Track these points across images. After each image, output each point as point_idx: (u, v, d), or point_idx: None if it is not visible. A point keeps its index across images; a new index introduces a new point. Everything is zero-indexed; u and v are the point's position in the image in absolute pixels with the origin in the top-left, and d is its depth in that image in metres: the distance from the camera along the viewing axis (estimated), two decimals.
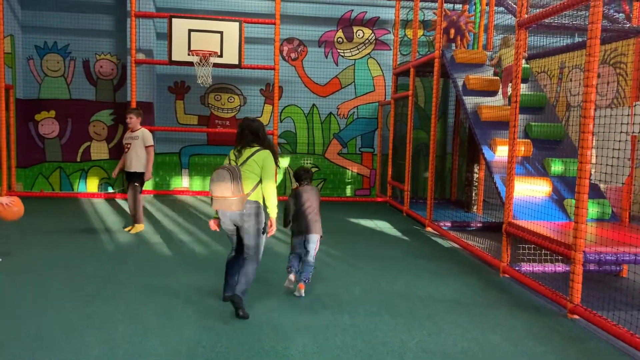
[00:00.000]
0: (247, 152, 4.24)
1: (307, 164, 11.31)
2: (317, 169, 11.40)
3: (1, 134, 9.75)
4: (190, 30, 9.57)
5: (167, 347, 3.58)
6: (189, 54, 9.57)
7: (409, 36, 11.28)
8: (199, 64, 9.54)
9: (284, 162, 11.30)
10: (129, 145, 7.07)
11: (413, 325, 4.12)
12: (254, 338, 3.76)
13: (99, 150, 10.91)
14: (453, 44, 8.91)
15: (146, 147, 7.05)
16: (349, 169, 11.52)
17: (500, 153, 6.48)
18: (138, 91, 10.21)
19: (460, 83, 7.50)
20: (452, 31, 8.63)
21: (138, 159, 7.00)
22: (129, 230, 7.20)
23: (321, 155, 11.41)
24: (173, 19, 9.54)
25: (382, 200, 10.94)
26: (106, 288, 4.80)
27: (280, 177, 11.25)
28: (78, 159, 10.85)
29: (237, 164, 4.22)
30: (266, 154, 4.25)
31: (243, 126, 4.32)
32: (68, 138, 10.77)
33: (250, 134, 4.29)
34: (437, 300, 4.76)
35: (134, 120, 7.13)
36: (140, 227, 7.24)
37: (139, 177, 7.05)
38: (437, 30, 8.07)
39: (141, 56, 10.23)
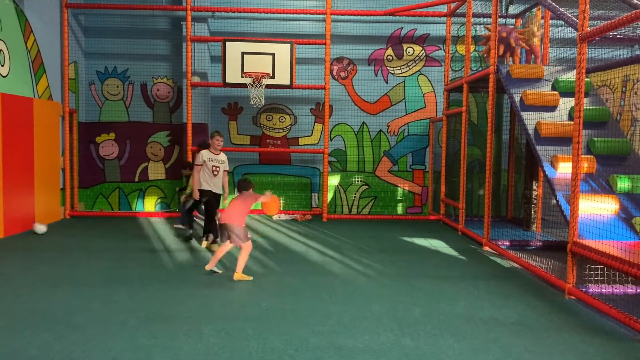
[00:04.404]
0: None
1: (357, 182, 11.28)
2: (367, 187, 11.35)
3: (66, 156, 10.23)
4: (243, 53, 9.80)
5: None
6: (242, 76, 9.78)
7: (460, 52, 11.16)
8: (252, 85, 9.73)
9: (334, 180, 11.31)
10: (217, 169, 7.43)
11: (479, 349, 4.00)
12: (317, 359, 3.74)
13: (156, 171, 11.25)
14: (507, 59, 8.72)
15: (225, 171, 7.60)
16: (400, 187, 11.42)
17: (563, 170, 6.27)
18: (193, 113, 10.50)
19: (517, 98, 7.33)
20: (502, 48, 8.46)
21: (220, 182, 7.51)
22: (207, 247, 7.43)
23: (371, 173, 11.36)
24: (227, 42, 9.79)
25: (435, 218, 10.76)
26: (168, 307, 4.89)
27: (330, 195, 11.25)
28: (136, 179, 11.22)
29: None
30: None
31: None
32: (127, 159, 11.16)
33: None
34: (501, 323, 4.61)
35: (222, 142, 7.53)
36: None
37: (219, 199, 7.56)
38: (491, 45, 7.95)
39: (196, 79, 10.53)
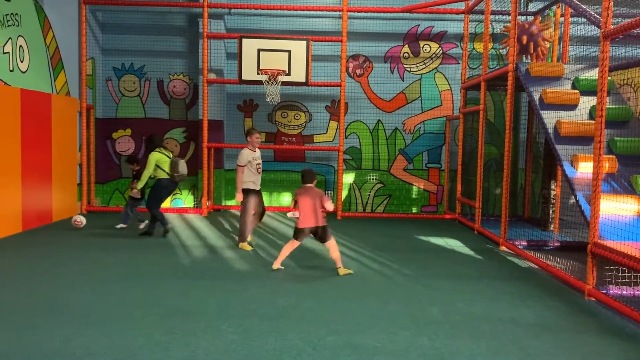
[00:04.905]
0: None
1: (372, 180, 11.24)
2: (382, 185, 11.30)
3: (83, 151, 10.32)
4: (259, 50, 9.79)
5: None
6: (258, 73, 9.78)
7: (477, 50, 11.06)
8: (267, 82, 9.73)
9: (349, 178, 11.28)
10: (260, 166, 7.40)
11: (498, 350, 3.95)
12: (335, 357, 3.72)
13: None
14: (534, 58, 8.59)
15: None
16: (415, 185, 11.36)
17: (583, 169, 6.18)
18: (209, 109, 10.53)
19: (536, 97, 7.24)
20: (532, 45, 8.32)
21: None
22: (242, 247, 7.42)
23: (386, 171, 11.31)
24: (243, 39, 9.79)
25: (451, 217, 10.68)
26: (185, 303, 4.91)
27: (345, 192, 11.22)
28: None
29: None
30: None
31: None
32: (143, 155, 11.22)
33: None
34: (520, 324, 4.56)
35: (260, 139, 7.51)
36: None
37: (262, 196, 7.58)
38: (511, 43, 7.86)
39: (212, 76, 10.56)
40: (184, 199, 11.32)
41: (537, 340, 4.17)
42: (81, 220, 8.47)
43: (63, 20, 9.74)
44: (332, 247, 6.06)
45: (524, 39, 8.27)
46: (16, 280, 5.51)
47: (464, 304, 5.09)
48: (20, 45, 8.34)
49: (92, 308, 4.67)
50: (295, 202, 6.05)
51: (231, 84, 10.78)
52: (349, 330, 4.27)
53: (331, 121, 11.31)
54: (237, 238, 7.90)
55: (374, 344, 4.01)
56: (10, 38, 8.04)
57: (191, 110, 11.25)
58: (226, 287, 5.47)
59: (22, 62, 8.37)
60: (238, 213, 10.77)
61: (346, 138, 11.19)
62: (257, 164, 7.31)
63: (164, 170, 7.96)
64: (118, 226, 8.68)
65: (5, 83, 7.88)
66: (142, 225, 8.55)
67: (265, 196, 11.30)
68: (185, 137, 11.28)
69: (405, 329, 4.34)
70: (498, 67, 10.63)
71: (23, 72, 8.41)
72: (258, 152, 7.44)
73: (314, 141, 11.30)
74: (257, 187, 7.39)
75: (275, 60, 9.82)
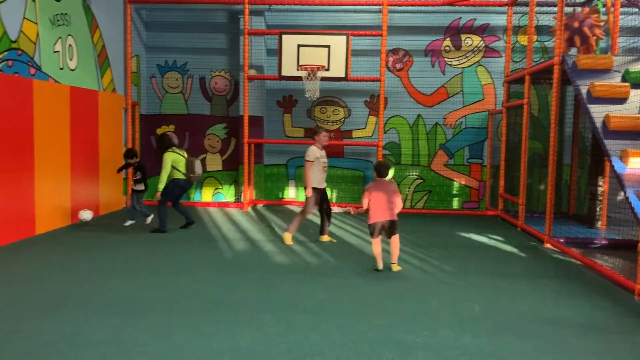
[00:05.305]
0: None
1: (411, 175, 11.14)
2: (422, 181, 11.19)
3: (128, 147, 10.60)
4: (299, 46, 9.83)
5: (291, 356, 3.63)
6: (297, 69, 9.83)
7: (520, 42, 10.79)
8: (307, 78, 9.76)
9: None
10: (326, 164, 7.36)
11: (544, 350, 3.87)
12: (377, 354, 3.71)
13: (214, 162, 11.49)
14: (582, 50, 8.30)
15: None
16: (455, 181, 11.20)
17: (633, 165, 5.96)
18: (249, 106, 10.64)
19: (584, 90, 7.02)
20: (578, 39, 8.04)
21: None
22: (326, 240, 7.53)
23: (426, 166, 11.19)
24: (283, 35, 9.85)
25: (493, 213, 10.49)
26: (228, 295, 4.99)
27: None
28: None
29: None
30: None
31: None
32: (185, 150, 11.38)
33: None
34: (566, 324, 4.44)
35: (327, 138, 7.42)
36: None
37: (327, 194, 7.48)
38: (557, 35, 7.63)
39: (253, 72, 10.67)
40: (225, 194, 11.50)
41: (585, 341, 4.06)
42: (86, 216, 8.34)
43: (109, 19, 10.02)
44: (395, 242, 5.95)
45: (576, 29, 7.97)
46: (66, 273, 5.73)
47: (507, 302, 5.00)
48: (70, 44, 8.63)
49: (138, 300, 4.81)
50: (369, 194, 5.89)
51: (271, 80, 10.86)
52: (390, 326, 4.26)
53: (370, 116, 11.26)
54: (279, 231, 7.99)
55: (415, 340, 3.99)
56: (60, 37, 8.32)
57: (232, 106, 11.40)
58: (267, 280, 5.54)
59: (71, 60, 8.66)
60: (277, 208, 10.87)
61: (385, 133, 11.12)
62: (323, 162, 7.26)
63: (180, 171, 8.00)
64: (126, 224, 8.50)
65: (55, 81, 8.17)
66: (148, 221, 8.61)
67: (303, 192, 11.35)
68: (226, 133, 11.44)
69: (447, 326, 4.29)
70: (543, 60, 10.35)
71: (72, 70, 8.70)
72: (324, 151, 7.39)
73: (353, 136, 11.28)
74: (322, 186, 7.33)
75: (315, 55, 9.84)
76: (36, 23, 7.68)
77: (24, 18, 7.39)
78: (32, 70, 7.63)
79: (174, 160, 7.97)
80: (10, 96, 6.90)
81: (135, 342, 3.81)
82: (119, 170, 9.07)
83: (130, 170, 8.60)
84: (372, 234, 5.94)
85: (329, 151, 11.18)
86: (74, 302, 4.70)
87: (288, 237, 7.41)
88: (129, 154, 8.60)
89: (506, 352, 3.81)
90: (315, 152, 7.18)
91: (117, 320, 4.23)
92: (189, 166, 8.07)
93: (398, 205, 5.90)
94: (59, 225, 8.12)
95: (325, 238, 7.57)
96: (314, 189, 7.21)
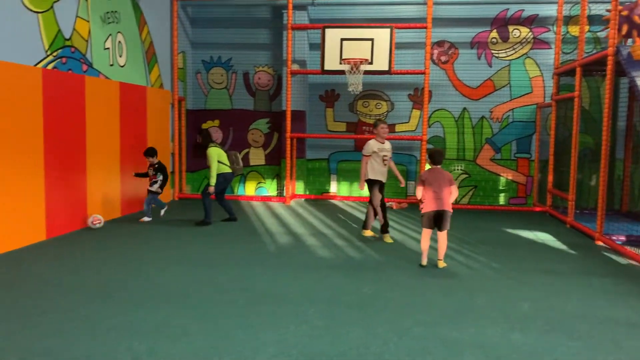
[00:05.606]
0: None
1: (456, 170, 10.96)
2: (467, 176, 10.99)
3: (175, 141, 10.84)
4: (342, 39, 9.81)
5: (336, 349, 3.64)
6: (340, 63, 9.80)
7: (571, 33, 10.42)
8: (350, 72, 9.72)
9: None
10: (387, 158, 7.21)
11: (596, 349, 3.75)
12: (423, 350, 3.68)
13: (257, 157, 11.62)
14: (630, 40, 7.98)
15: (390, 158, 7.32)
16: (502, 176, 10.95)
17: None
18: (292, 100, 10.69)
19: (639, 82, 6.73)
20: (625, 27, 7.73)
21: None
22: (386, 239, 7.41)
23: (472, 161, 10.98)
24: (326, 29, 9.84)
25: (541, 209, 10.20)
26: (273, 287, 5.05)
27: None
28: None
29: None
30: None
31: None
32: (229, 145, 11.61)
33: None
34: (620, 323, 4.29)
35: (387, 130, 7.29)
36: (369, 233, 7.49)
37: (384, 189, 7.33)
38: (611, 25, 7.34)
39: (296, 67, 10.71)
40: (268, 188, 11.61)
41: (639, 342, 3.91)
42: (98, 220, 7.68)
43: (156, 16, 10.24)
44: (444, 238, 5.83)
45: (624, 27, 7.66)
46: (116, 263, 5.92)
47: (557, 300, 4.86)
48: (119, 41, 8.87)
49: (187, 290, 4.92)
50: (422, 182, 5.78)
51: (313, 75, 10.87)
52: (436, 322, 4.21)
53: (414, 110, 11.13)
54: (321, 226, 8.01)
55: (462, 337, 3.93)
56: (110, 34, 8.57)
57: (275, 101, 11.48)
58: (310, 273, 5.56)
59: (120, 56, 8.91)
60: (319, 202, 10.91)
61: (429, 127, 10.96)
62: (383, 156, 7.14)
63: (225, 164, 8.15)
64: (144, 219, 8.33)
65: (106, 77, 8.42)
66: (144, 219, 8.39)
67: (345, 186, 11.36)
68: (269, 127, 11.54)
69: (495, 324, 4.21)
70: (595, 51, 9.98)
71: (121, 67, 8.95)
72: (387, 145, 7.27)
73: (396, 130, 11.18)
74: (383, 179, 7.22)
75: (358, 49, 9.80)
76: (88, 21, 7.93)
77: (77, 16, 7.64)
78: (84, 67, 7.89)
79: (219, 155, 8.12)
80: (65, 92, 7.16)
81: (185, 331, 3.90)
82: (138, 175, 8.57)
83: (151, 169, 8.41)
84: (424, 224, 5.83)
85: None
86: (127, 290, 4.85)
87: (368, 233, 7.36)
88: (150, 153, 8.35)
89: (557, 352, 3.70)
90: (372, 146, 7.13)
91: (167, 310, 4.34)
92: (234, 159, 8.22)
93: (453, 195, 5.75)
94: (110, 218, 8.37)
95: (367, 233, 7.49)
96: (376, 181, 7.15)
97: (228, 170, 8.19)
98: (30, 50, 6.72)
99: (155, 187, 8.41)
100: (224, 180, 8.19)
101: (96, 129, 7.93)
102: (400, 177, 7.40)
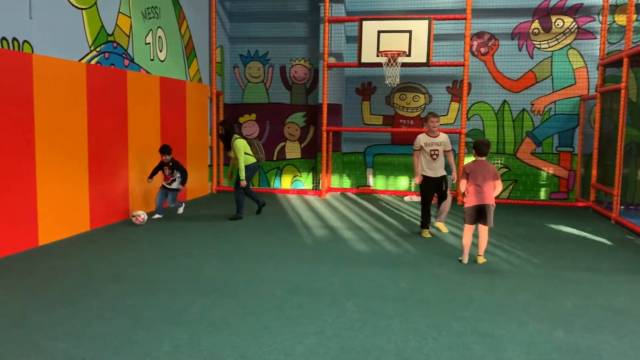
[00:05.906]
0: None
1: (496, 164, 10.75)
2: (507, 170, 10.77)
3: (213, 135, 10.99)
4: (379, 32, 9.73)
5: (375, 343, 3.63)
6: (377, 55, 9.73)
7: (618, 22, 10.05)
8: (387, 64, 9.64)
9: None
10: (436, 152, 6.95)
11: None
12: (463, 346, 3.64)
13: (293, 150, 11.67)
14: None
15: (447, 151, 7.07)
16: (543, 170, 10.68)
17: None
18: (328, 94, 10.67)
19: None
20: None
21: (442, 165, 7.04)
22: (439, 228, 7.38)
23: (512, 155, 10.76)
24: (363, 22, 9.78)
25: (584, 205, 9.92)
26: (310, 280, 5.07)
27: None
28: (274, 158, 11.74)
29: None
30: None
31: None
32: (266, 138, 11.70)
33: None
34: None
35: (438, 123, 7.06)
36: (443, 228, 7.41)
37: (440, 184, 7.05)
38: None
39: (332, 60, 10.68)
40: (304, 181, 11.65)
41: None
42: (143, 217, 7.56)
43: (195, 11, 10.38)
44: (484, 233, 5.68)
45: None
46: (158, 255, 6.05)
47: (602, 297, 4.72)
48: (159, 36, 9.03)
49: (226, 282, 4.99)
50: (466, 175, 5.61)
51: (350, 68, 10.82)
52: (476, 318, 4.15)
53: (452, 102, 10.96)
54: (357, 220, 8.00)
55: (503, 333, 3.86)
56: (150, 29, 8.73)
57: (311, 94, 11.49)
58: (347, 267, 5.56)
59: (160, 51, 9.07)
60: (355, 196, 10.89)
61: (468, 120, 10.78)
62: (431, 150, 6.94)
63: (251, 155, 8.10)
64: (155, 216, 8.07)
65: (146, 71, 8.59)
66: (180, 211, 8.42)
67: (381, 180, 11.29)
68: (305, 121, 11.57)
69: (537, 320, 4.12)
70: None
71: (161, 61, 9.11)
72: (440, 137, 7.00)
73: None
74: (433, 174, 6.97)
75: (395, 41, 9.70)
76: (130, 17, 8.09)
77: (119, 12, 7.81)
78: (126, 62, 8.06)
79: (245, 146, 8.06)
80: (108, 87, 7.34)
81: (225, 322, 3.96)
82: (151, 176, 8.04)
83: (166, 168, 8.05)
84: (465, 220, 5.71)
85: (409, 139, 11.04)
86: (168, 281, 4.96)
87: (425, 232, 7.19)
88: (165, 150, 7.97)
89: (602, 350, 3.60)
90: (419, 141, 7.00)
91: (208, 301, 4.41)
92: (257, 148, 8.27)
93: (497, 189, 5.57)
94: (147, 210, 8.55)
95: (439, 225, 7.37)
96: (425, 177, 6.99)
97: (254, 160, 8.19)
98: (75, 45, 6.91)
99: (175, 185, 8.17)
100: (251, 171, 8.16)
101: (137, 123, 8.10)
102: (454, 173, 7.21)
